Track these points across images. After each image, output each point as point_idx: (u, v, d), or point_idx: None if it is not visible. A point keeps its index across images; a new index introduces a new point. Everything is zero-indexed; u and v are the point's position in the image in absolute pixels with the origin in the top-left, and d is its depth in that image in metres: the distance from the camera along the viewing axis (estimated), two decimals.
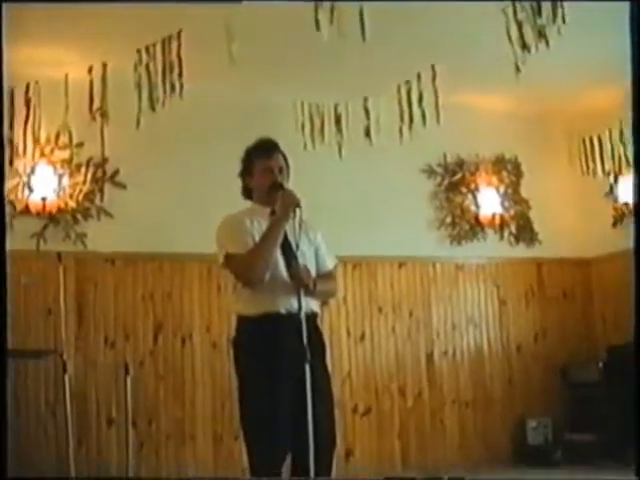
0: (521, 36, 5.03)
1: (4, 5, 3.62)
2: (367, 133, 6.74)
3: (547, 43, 5.01)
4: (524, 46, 5.03)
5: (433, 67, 6.21)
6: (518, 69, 5.13)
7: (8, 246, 6.22)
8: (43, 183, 6.59)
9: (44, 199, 6.57)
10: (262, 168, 4.14)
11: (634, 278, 3.63)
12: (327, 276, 4.25)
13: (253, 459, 3.98)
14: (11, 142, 6.35)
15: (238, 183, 4.27)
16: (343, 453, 7.00)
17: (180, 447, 6.80)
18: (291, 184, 4.19)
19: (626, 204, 7.78)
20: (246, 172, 4.22)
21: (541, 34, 4.98)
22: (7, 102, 6.15)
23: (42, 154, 6.60)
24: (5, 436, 3.42)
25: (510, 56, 5.10)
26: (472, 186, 8.12)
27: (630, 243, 3.90)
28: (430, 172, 8.00)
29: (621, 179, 7.77)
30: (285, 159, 4.20)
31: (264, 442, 3.91)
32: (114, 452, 6.55)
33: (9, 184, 6.46)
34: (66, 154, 6.66)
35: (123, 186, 6.85)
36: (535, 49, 5.06)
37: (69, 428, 5.97)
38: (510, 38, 5.07)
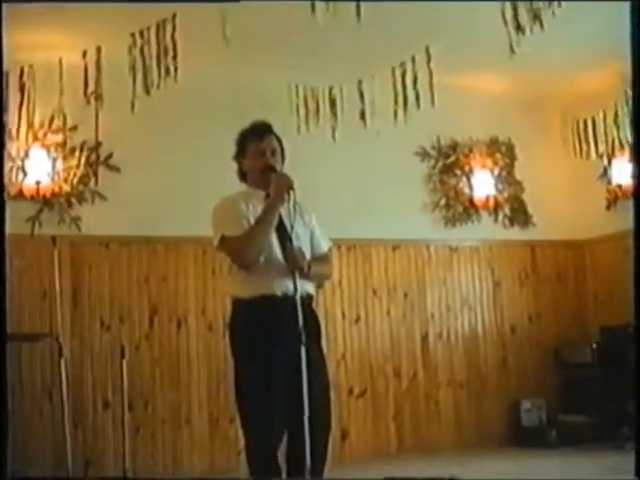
0: (516, 18, 5.03)
1: (4, 5, 3.61)
2: (362, 116, 6.74)
3: (542, 25, 5.01)
4: (518, 28, 5.04)
5: (427, 49, 6.20)
6: (512, 51, 5.13)
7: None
8: (37, 167, 6.58)
9: (38, 183, 6.56)
10: (255, 151, 4.14)
11: (633, 261, 3.63)
12: (322, 259, 4.26)
13: (249, 441, 4.00)
14: (4, 126, 6.34)
15: (232, 166, 4.27)
16: (339, 435, 7.02)
17: (176, 430, 6.82)
18: (286, 167, 4.20)
19: (619, 186, 7.80)
20: (240, 154, 4.22)
21: (536, 16, 4.99)
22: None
23: (35, 138, 6.59)
24: (5, 436, 3.43)
25: (505, 38, 5.09)
26: (466, 168, 8.13)
27: (624, 225, 3.92)
28: (424, 155, 8.00)
29: (614, 161, 7.78)
30: (279, 142, 4.20)
31: (260, 424, 3.92)
32: (110, 435, 6.57)
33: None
34: (60, 138, 6.65)
35: (117, 169, 6.84)
36: (530, 31, 5.06)
37: (65, 412, 5.98)
38: (505, 20, 5.07)
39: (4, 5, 3.61)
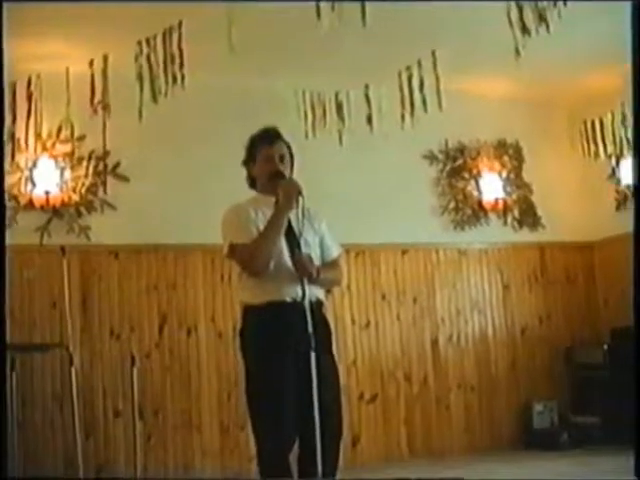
0: (521, 20, 5.02)
1: (4, 5, 3.61)
2: (369, 120, 6.73)
3: (547, 27, 5.00)
4: (524, 30, 5.02)
5: (434, 53, 6.19)
6: (518, 53, 5.11)
7: (11, 240, 6.27)
8: (45, 177, 6.60)
9: (47, 193, 6.57)
10: (264, 156, 4.15)
11: (633, 264, 3.62)
12: (332, 264, 4.26)
13: (260, 447, 4.00)
14: (13, 136, 6.36)
15: (241, 173, 4.27)
16: (350, 440, 7.01)
17: (187, 438, 6.82)
18: (294, 173, 4.20)
19: (628, 187, 7.78)
20: (249, 160, 4.23)
21: (542, 18, 4.97)
22: (9, 96, 6.17)
23: (44, 148, 6.60)
24: (5, 436, 3.42)
25: (511, 40, 5.08)
26: (474, 171, 8.12)
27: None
28: (432, 158, 7.99)
29: (623, 162, 7.76)
30: (289, 148, 4.21)
31: (271, 431, 3.93)
32: (122, 444, 6.57)
33: (11, 179, 6.48)
34: (68, 147, 6.66)
35: (125, 178, 6.85)
36: (536, 32, 5.04)
37: (76, 421, 6.00)
38: (511, 22, 5.06)
39: (4, 4, 3.61)
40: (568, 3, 4.92)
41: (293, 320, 3.86)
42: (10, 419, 5.95)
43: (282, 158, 4.16)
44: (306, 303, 3.85)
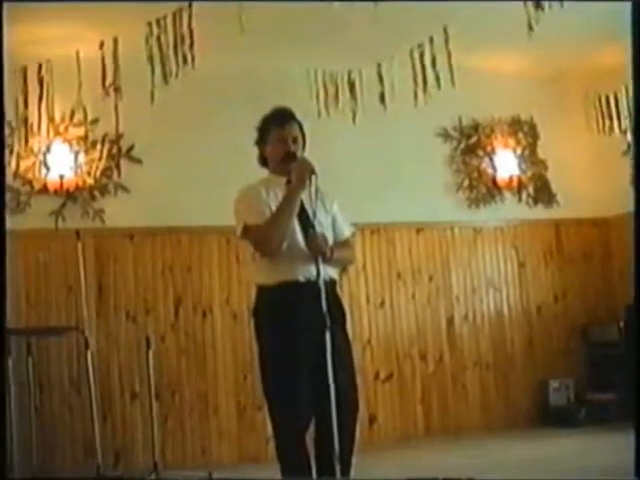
0: None
1: (5, 5, 3.61)
2: (382, 98, 6.70)
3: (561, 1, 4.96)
4: (537, 5, 4.98)
5: (445, 29, 6.14)
6: (531, 28, 5.08)
7: (26, 225, 6.29)
8: (59, 161, 6.60)
9: (61, 177, 6.58)
10: (276, 137, 4.14)
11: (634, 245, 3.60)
12: (344, 244, 4.25)
13: (276, 427, 4.02)
14: (26, 121, 6.37)
15: (253, 153, 4.27)
16: (366, 419, 7.03)
17: (204, 419, 6.85)
18: (306, 152, 4.19)
19: None
20: (261, 140, 4.22)
21: None
22: (20, 81, 6.18)
23: (57, 132, 6.60)
24: (4, 436, 3.44)
25: (523, 15, 5.04)
26: (488, 149, 8.08)
27: None
28: (446, 136, 7.96)
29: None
30: (301, 128, 4.19)
31: (287, 410, 3.94)
32: (139, 426, 6.61)
33: (25, 163, 6.49)
34: (81, 131, 6.67)
35: (139, 161, 6.85)
36: (549, 7, 5.00)
37: (93, 404, 6.03)
38: None
39: (5, 4, 3.60)
40: None
41: (307, 300, 3.86)
42: (27, 404, 6.01)
43: (295, 139, 4.15)
44: (321, 282, 3.84)
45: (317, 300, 3.78)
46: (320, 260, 3.91)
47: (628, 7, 4.46)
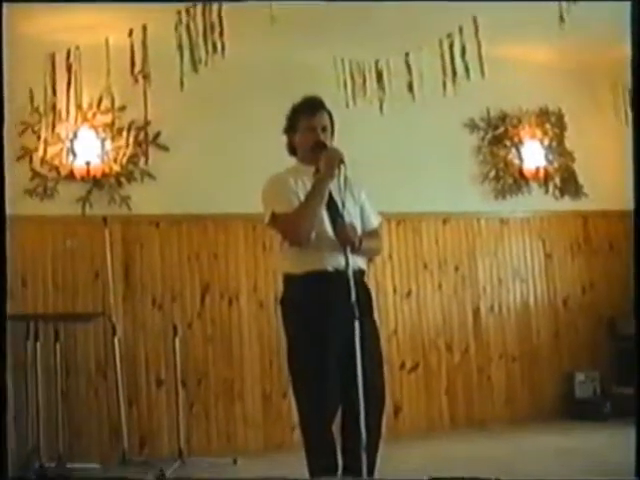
0: None
1: (4, 5, 3.61)
2: (410, 88, 6.68)
3: None
4: None
5: (475, 20, 6.10)
6: (563, 19, 5.04)
7: (53, 211, 6.32)
8: (86, 148, 6.61)
9: (88, 163, 6.59)
10: (306, 126, 4.15)
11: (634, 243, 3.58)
12: (372, 234, 4.26)
13: (303, 415, 4.03)
14: (54, 107, 6.39)
15: (281, 142, 4.27)
16: (392, 410, 7.01)
17: (229, 406, 6.86)
18: (334, 142, 4.18)
19: None
20: (290, 129, 4.23)
21: None
22: (49, 68, 6.20)
23: (84, 119, 6.61)
24: (5, 436, 3.45)
25: (554, 6, 5.01)
26: (516, 139, 8.03)
27: None
28: (473, 126, 7.92)
29: None
30: (330, 117, 4.19)
31: (314, 399, 3.95)
32: (164, 412, 6.62)
33: (52, 150, 6.51)
34: (108, 118, 6.67)
35: (166, 148, 6.86)
36: None
37: (120, 390, 6.06)
38: None
39: (5, 4, 3.60)
40: None
41: (335, 289, 3.86)
42: (54, 389, 6.05)
43: (324, 129, 4.16)
44: (349, 272, 3.84)
45: (346, 290, 3.77)
46: (349, 250, 3.91)
47: None
